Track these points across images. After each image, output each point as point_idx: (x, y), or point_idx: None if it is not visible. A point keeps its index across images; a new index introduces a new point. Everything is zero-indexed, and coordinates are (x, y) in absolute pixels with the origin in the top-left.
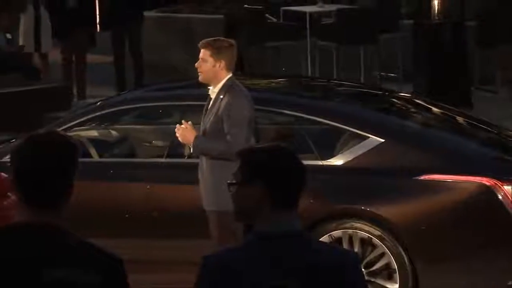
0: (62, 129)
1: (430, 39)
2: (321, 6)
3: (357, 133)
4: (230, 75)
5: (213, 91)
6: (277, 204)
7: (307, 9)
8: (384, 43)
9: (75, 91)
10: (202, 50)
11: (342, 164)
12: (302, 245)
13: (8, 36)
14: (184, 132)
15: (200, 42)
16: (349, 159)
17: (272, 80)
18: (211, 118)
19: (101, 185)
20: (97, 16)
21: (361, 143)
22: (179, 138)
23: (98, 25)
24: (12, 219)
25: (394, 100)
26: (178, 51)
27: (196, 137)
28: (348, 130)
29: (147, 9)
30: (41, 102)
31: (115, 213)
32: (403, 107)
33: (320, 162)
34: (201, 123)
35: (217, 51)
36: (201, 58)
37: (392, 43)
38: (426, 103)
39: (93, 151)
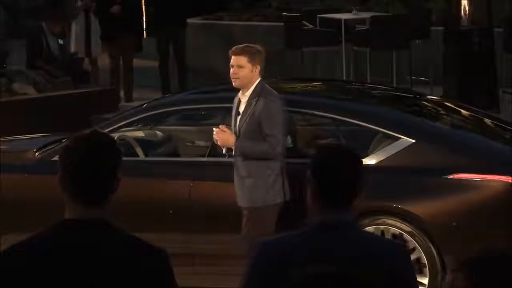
0: (110, 130)
1: (459, 45)
2: (356, 13)
3: (389, 134)
4: (260, 78)
5: (244, 95)
6: (326, 201)
7: (343, 16)
8: (416, 48)
9: (122, 94)
10: (237, 57)
11: (375, 164)
12: (347, 235)
13: (60, 41)
14: (223, 135)
15: (233, 49)
16: (382, 158)
17: (309, 83)
18: (247, 120)
19: (146, 182)
20: (144, 23)
21: (393, 144)
22: (218, 142)
23: (144, 31)
24: None
25: (424, 103)
26: (219, 56)
27: (237, 140)
28: (381, 131)
29: (190, 16)
30: (90, 105)
31: (159, 208)
32: (433, 110)
33: None
34: (232, 124)
35: (253, 57)
36: (237, 65)
37: (423, 48)
38: (455, 106)
39: (139, 151)
